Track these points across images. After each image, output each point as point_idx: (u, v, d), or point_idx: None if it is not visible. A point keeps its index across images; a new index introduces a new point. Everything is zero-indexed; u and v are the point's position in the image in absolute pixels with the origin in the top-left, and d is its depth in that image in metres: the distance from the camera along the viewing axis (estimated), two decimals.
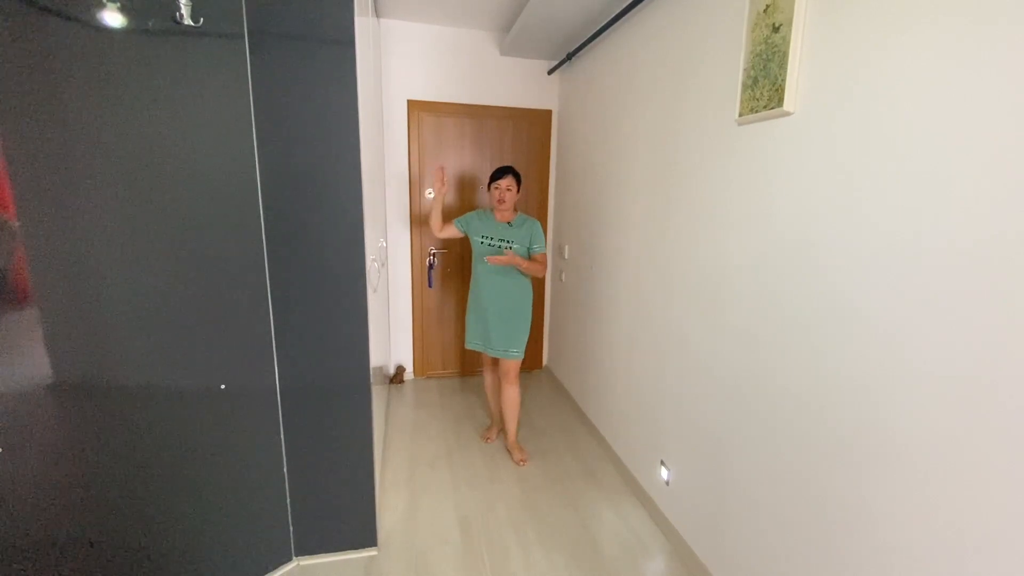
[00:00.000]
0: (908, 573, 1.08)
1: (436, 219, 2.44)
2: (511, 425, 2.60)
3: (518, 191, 2.46)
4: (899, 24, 1.07)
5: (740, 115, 1.53)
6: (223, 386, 1.54)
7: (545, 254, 2.48)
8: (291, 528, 1.80)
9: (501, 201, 2.42)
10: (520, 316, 2.51)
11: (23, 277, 1.15)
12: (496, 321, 2.47)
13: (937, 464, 1.02)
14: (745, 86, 1.50)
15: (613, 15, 2.37)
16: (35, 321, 1.17)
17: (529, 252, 2.44)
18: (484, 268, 2.46)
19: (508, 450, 2.66)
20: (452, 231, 2.50)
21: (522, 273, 2.48)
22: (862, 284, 1.17)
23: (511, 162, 3.47)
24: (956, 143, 0.96)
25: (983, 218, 0.92)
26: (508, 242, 2.43)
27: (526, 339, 2.53)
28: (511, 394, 2.55)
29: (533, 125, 3.48)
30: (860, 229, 1.17)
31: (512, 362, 2.50)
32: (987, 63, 0.91)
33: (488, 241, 2.43)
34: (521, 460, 2.57)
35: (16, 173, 1.11)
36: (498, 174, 2.44)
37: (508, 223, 2.46)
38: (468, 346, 2.60)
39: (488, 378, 2.72)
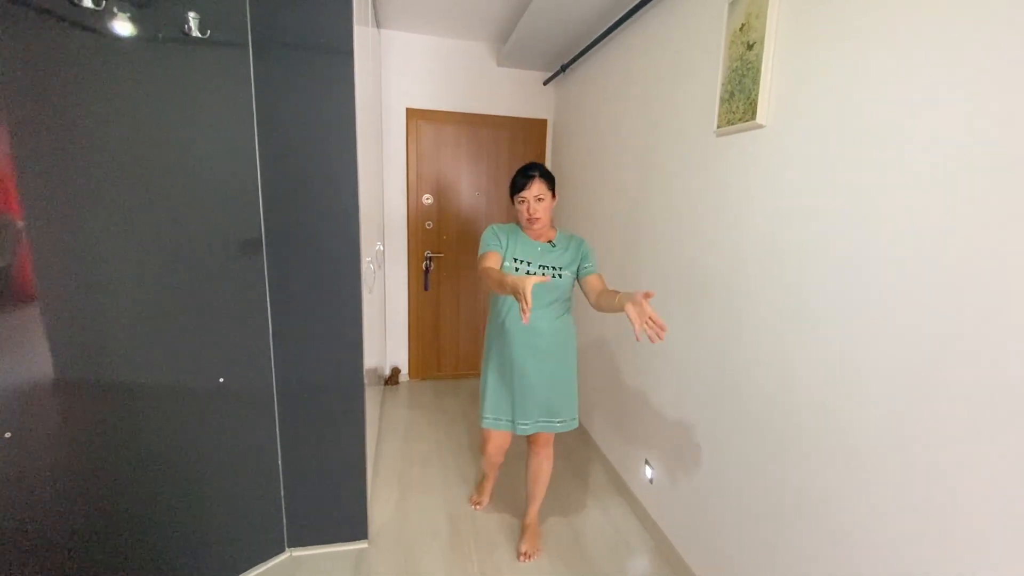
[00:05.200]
0: (863, 559, 1.14)
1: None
2: (537, 501, 2.01)
3: (554, 198, 1.76)
4: (862, 44, 1.14)
5: (718, 127, 1.61)
6: (221, 379, 1.60)
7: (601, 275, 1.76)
8: (284, 520, 1.86)
9: (532, 220, 1.72)
10: (571, 370, 1.86)
11: (28, 275, 1.19)
12: (543, 389, 1.78)
13: (883, 459, 1.08)
14: (723, 99, 1.58)
15: (604, 29, 2.46)
16: (40, 317, 1.22)
17: (578, 276, 1.76)
18: (519, 311, 1.67)
19: (522, 528, 2.06)
20: (498, 261, 1.72)
21: (565, 311, 1.82)
22: (823, 290, 1.24)
23: (507, 169, 3.55)
24: (911, 159, 1.04)
25: (933, 228, 0.99)
26: (555, 270, 1.73)
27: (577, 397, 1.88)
28: (547, 465, 1.95)
29: (529, 134, 3.57)
30: (822, 237, 1.24)
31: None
32: (941, 86, 0.98)
33: (526, 268, 1.72)
34: (527, 554, 1.93)
35: (26, 175, 1.16)
36: (522, 180, 1.72)
37: (550, 243, 1.78)
38: (489, 425, 1.86)
39: (496, 446, 1.99)
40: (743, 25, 1.48)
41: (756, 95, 1.43)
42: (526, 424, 1.81)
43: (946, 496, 0.97)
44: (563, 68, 3.08)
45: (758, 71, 1.42)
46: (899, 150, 1.06)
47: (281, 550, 1.88)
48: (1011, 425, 0.86)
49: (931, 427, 1.00)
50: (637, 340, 1.30)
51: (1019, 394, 0.85)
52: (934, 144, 0.99)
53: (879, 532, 1.11)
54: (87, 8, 1.21)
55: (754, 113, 1.44)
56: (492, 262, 1.68)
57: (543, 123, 3.57)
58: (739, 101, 1.50)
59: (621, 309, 1.38)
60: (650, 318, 1.29)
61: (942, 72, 0.97)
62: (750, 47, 1.45)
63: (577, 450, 2.78)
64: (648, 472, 2.11)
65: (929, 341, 1.00)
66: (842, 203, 1.19)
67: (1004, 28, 0.87)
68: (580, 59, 2.87)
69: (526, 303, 1.26)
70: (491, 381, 1.84)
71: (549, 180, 1.74)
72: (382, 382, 3.47)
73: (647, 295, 1.31)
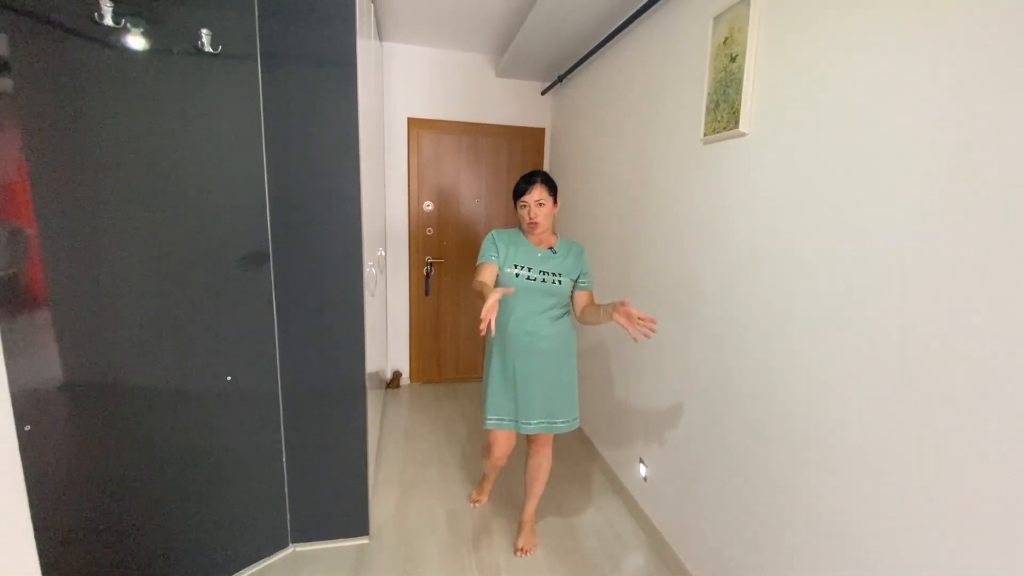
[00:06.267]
0: (849, 553, 1.20)
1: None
2: (535, 498, 2.05)
3: (555, 204, 1.80)
4: (838, 56, 1.21)
5: (705, 135, 1.68)
6: (228, 378, 1.66)
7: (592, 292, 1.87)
8: (288, 516, 1.91)
9: (533, 223, 1.76)
10: (571, 371, 1.89)
11: (43, 280, 1.25)
12: (544, 390, 1.82)
13: (870, 457, 1.14)
14: (708, 109, 1.65)
15: (598, 42, 2.54)
16: (55, 320, 1.28)
17: (574, 289, 1.84)
18: (519, 315, 1.78)
19: (520, 524, 2.10)
20: (493, 273, 1.75)
21: (564, 314, 1.86)
22: (807, 292, 1.30)
23: (506, 177, 3.63)
24: (887, 164, 1.10)
25: (911, 232, 1.06)
26: (555, 276, 1.78)
27: (577, 397, 1.93)
28: (546, 464, 2.00)
29: (527, 142, 3.65)
30: (806, 241, 1.30)
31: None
32: (916, 93, 1.05)
33: (525, 273, 1.76)
34: (523, 549, 1.99)
35: (40, 182, 1.22)
36: (524, 184, 1.77)
37: (551, 249, 1.82)
38: (493, 426, 1.87)
39: (502, 450, 1.96)
40: (727, 38, 1.56)
41: (739, 105, 1.50)
42: (529, 424, 1.83)
43: (923, 489, 1.03)
44: (560, 79, 3.17)
45: (740, 82, 1.49)
46: (876, 155, 1.12)
47: (284, 545, 1.94)
48: (984, 420, 0.92)
49: (904, 421, 1.06)
50: (635, 341, 1.48)
51: (991, 391, 0.91)
52: (910, 149, 1.05)
53: (863, 526, 1.16)
54: (107, 25, 1.29)
55: (737, 122, 1.51)
56: (486, 275, 1.72)
57: (541, 131, 3.66)
58: (723, 111, 1.57)
59: (608, 319, 1.60)
60: (639, 319, 1.48)
61: (917, 80, 1.03)
62: (733, 59, 1.53)
63: (574, 449, 2.84)
64: (643, 470, 2.17)
65: (907, 341, 1.05)
66: (821, 208, 1.25)
67: (977, 34, 0.94)
68: (576, 70, 2.96)
69: (487, 313, 1.37)
70: (494, 383, 1.86)
71: (551, 186, 1.78)
72: (384, 385, 3.53)
73: (624, 303, 1.52)
